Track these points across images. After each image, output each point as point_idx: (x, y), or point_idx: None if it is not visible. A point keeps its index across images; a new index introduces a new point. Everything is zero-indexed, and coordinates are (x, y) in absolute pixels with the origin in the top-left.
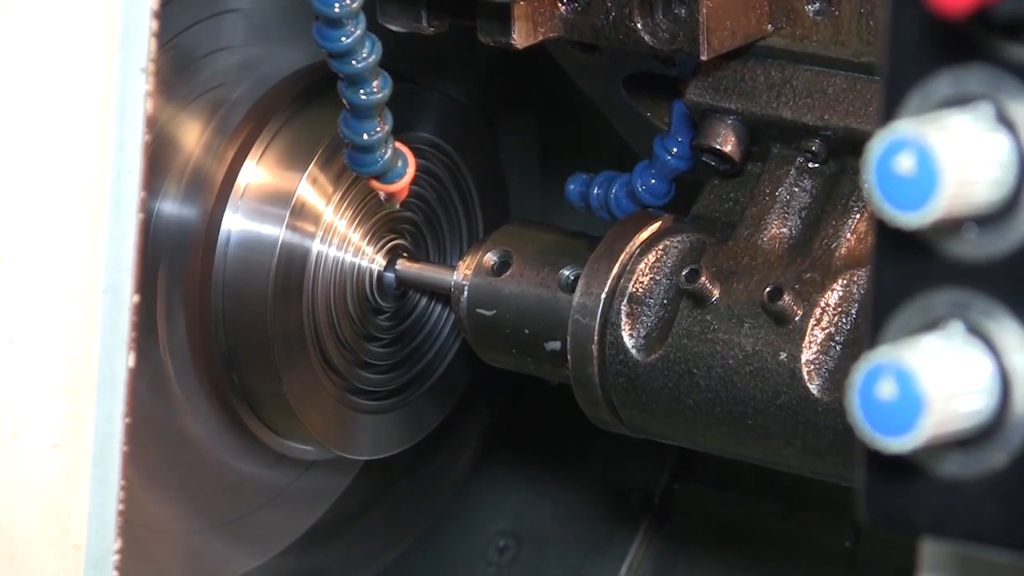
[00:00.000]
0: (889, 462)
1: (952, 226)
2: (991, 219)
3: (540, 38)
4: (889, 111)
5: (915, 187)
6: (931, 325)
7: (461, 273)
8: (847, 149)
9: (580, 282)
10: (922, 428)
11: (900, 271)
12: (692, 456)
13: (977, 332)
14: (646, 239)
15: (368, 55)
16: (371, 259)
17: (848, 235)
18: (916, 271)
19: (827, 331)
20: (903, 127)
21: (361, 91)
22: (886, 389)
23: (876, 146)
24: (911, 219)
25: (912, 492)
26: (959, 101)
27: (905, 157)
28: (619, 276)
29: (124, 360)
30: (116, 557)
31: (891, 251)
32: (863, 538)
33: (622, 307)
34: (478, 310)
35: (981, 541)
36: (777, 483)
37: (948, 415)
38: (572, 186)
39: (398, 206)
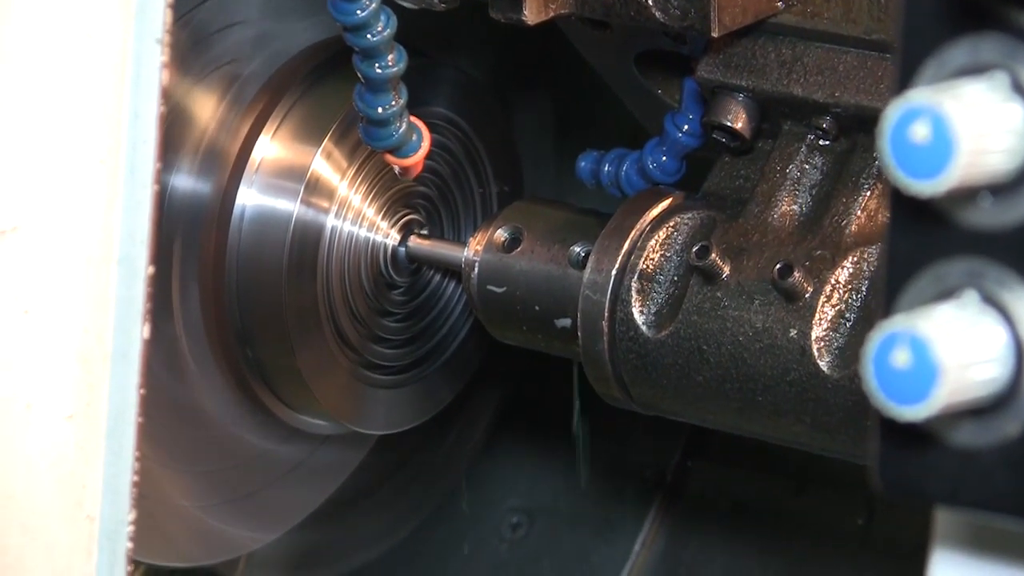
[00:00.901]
0: (903, 431)
1: (966, 195)
2: (1006, 188)
3: (551, 14)
4: (904, 80)
5: (930, 155)
6: (946, 294)
7: (472, 249)
8: (858, 126)
9: (591, 259)
10: (936, 396)
11: (914, 240)
12: (705, 433)
13: (991, 301)
14: (657, 216)
15: (383, 28)
16: (385, 234)
17: (858, 212)
18: (930, 240)
19: (837, 308)
20: (918, 95)
21: (376, 64)
22: (901, 357)
23: (891, 114)
24: (926, 187)
25: (926, 461)
26: (974, 70)
27: (920, 125)
28: (630, 253)
29: (139, 331)
30: (130, 528)
31: (905, 220)
32: (876, 516)
33: (633, 284)
34: (488, 287)
35: (994, 510)
36: (790, 461)
37: (962, 384)
38: (583, 163)
39: (413, 180)
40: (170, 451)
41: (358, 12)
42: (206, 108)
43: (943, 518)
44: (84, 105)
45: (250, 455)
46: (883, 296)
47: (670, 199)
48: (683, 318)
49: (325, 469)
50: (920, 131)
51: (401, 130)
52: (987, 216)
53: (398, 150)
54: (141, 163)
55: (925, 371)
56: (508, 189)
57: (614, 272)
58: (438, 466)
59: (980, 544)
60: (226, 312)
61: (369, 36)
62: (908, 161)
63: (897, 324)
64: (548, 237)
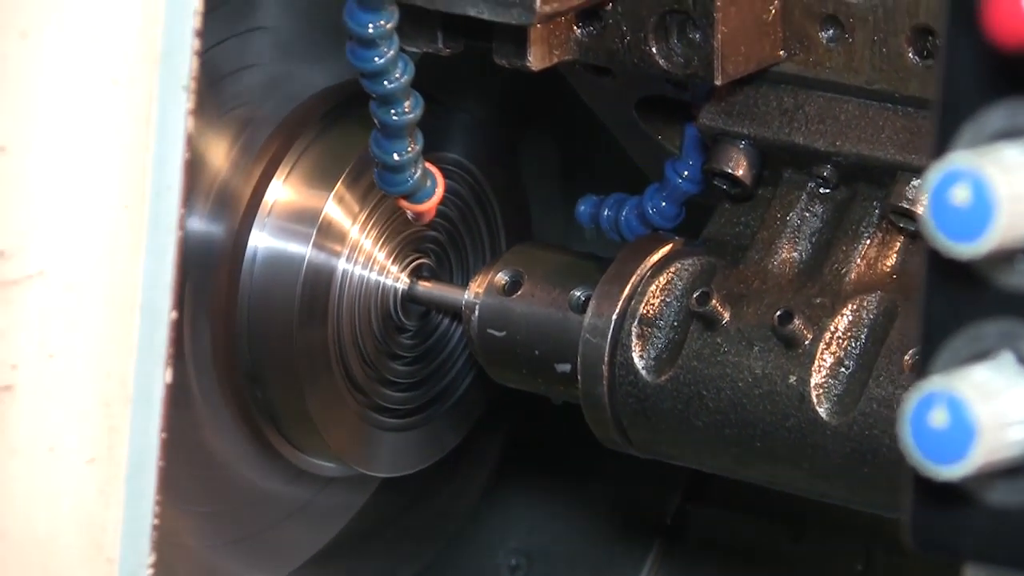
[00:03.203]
0: (937, 489)
1: (1004, 257)
2: None
3: (555, 60)
4: (942, 142)
5: (970, 218)
6: (981, 355)
7: (472, 292)
8: (858, 175)
9: (591, 303)
10: (973, 457)
11: (951, 301)
12: (705, 478)
13: None
14: (657, 261)
15: (401, 75)
16: (396, 278)
17: (858, 260)
18: (967, 301)
19: (836, 355)
20: (959, 159)
21: (392, 111)
22: (938, 417)
23: (932, 177)
24: (966, 250)
25: (959, 519)
26: (1012, 134)
27: (961, 188)
28: (630, 297)
29: (161, 376)
30: (150, 572)
31: (942, 281)
32: (874, 562)
33: (633, 328)
34: (489, 330)
35: None
36: (789, 505)
37: (999, 444)
38: (582, 207)
39: (425, 225)
40: (176, 489)
41: (376, 59)
42: (219, 151)
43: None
44: (109, 150)
45: (256, 495)
46: (920, 356)
47: (670, 245)
48: (683, 363)
49: (329, 511)
50: (961, 194)
51: (416, 176)
52: (1023, 278)
53: (412, 196)
54: (165, 209)
55: (962, 431)
56: (516, 234)
57: (615, 317)
58: (440, 509)
59: None
60: (236, 353)
61: (386, 83)
62: (949, 223)
63: (935, 385)
64: (549, 281)
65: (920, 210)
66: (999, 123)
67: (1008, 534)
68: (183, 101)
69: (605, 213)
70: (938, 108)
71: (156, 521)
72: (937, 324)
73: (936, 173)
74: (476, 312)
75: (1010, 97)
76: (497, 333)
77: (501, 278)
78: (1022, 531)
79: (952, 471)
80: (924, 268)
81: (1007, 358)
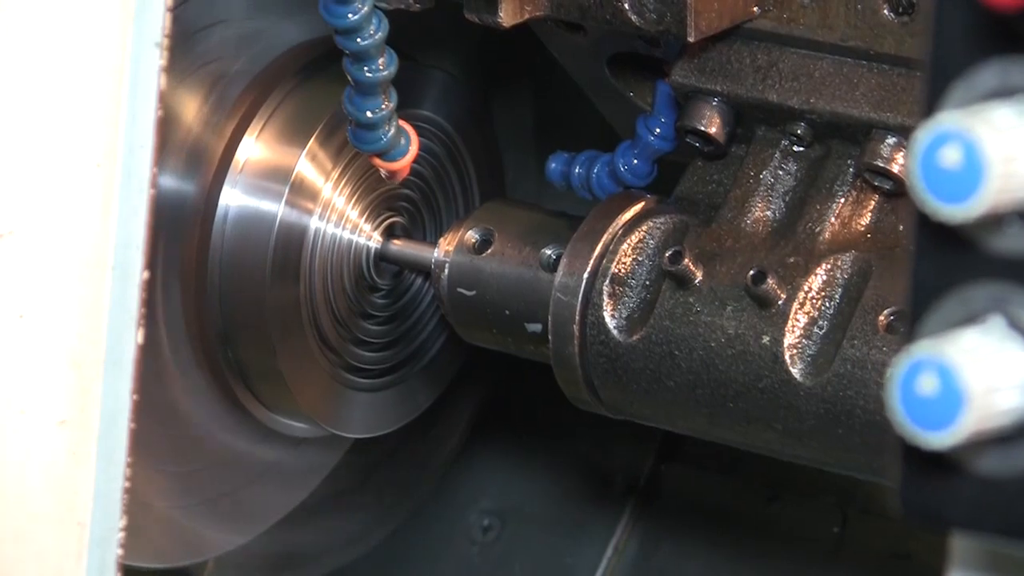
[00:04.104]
0: (926, 457)
1: (993, 220)
2: None
3: (526, 17)
4: (932, 102)
5: (961, 181)
6: (971, 319)
7: (442, 250)
8: (832, 133)
9: (562, 261)
10: (963, 424)
11: (940, 264)
12: (679, 439)
13: (1017, 327)
14: (629, 219)
15: (375, 32)
16: (368, 236)
17: (832, 219)
18: (956, 264)
19: (810, 315)
20: (949, 119)
21: (366, 68)
22: (927, 384)
23: (921, 138)
24: (956, 212)
25: (948, 487)
26: (1004, 93)
27: (951, 150)
28: (602, 256)
29: (133, 337)
30: (121, 535)
31: (931, 244)
32: (850, 524)
33: (604, 287)
34: (458, 289)
35: (1017, 538)
36: (765, 467)
37: (988, 411)
38: (553, 164)
39: (398, 183)
40: (145, 450)
41: (350, 16)
42: (190, 107)
43: (960, 544)
44: (81, 108)
45: (226, 456)
46: (907, 320)
47: (643, 203)
48: (655, 323)
49: (300, 472)
50: (951, 155)
51: (390, 134)
52: (1014, 241)
53: (386, 154)
54: (138, 167)
55: (952, 398)
56: (490, 192)
57: (586, 275)
58: (413, 470)
59: (997, 570)
60: (208, 312)
61: (360, 40)
62: (938, 186)
63: (923, 350)
64: (519, 239)
65: (895, 168)
66: (991, 82)
67: (998, 504)
68: (156, 58)
69: (576, 171)
70: (927, 67)
71: (127, 484)
72: (925, 287)
73: (925, 134)
74: (446, 271)
75: (1002, 55)
76: (467, 292)
77: (471, 236)
78: (1012, 501)
79: (941, 439)
80: (912, 230)
81: (997, 322)
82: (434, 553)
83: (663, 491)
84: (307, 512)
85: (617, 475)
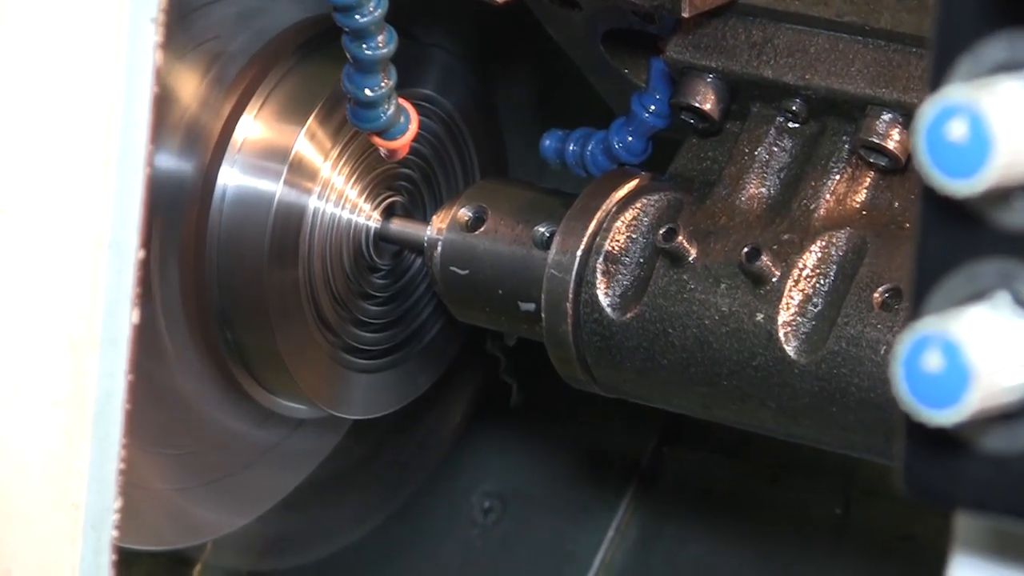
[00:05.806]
0: (931, 435)
1: (1001, 195)
2: None
3: None
4: (938, 76)
5: (967, 155)
6: (977, 295)
7: (435, 228)
8: (828, 109)
9: (555, 239)
10: (968, 401)
11: (946, 240)
12: (680, 420)
13: None
14: (623, 197)
15: (374, 8)
16: (368, 216)
17: (827, 196)
18: (962, 240)
19: (804, 293)
20: (955, 93)
21: (365, 46)
22: (933, 361)
23: (927, 112)
24: (962, 187)
25: (953, 466)
26: (1011, 67)
27: (957, 123)
28: (595, 234)
29: (128, 316)
30: (116, 516)
31: (937, 220)
32: (853, 505)
33: (598, 265)
34: (451, 268)
35: (1022, 517)
36: (766, 448)
37: (994, 388)
38: (548, 142)
39: (397, 162)
40: (144, 432)
41: None
42: (188, 86)
43: (964, 523)
44: (76, 85)
45: (225, 438)
46: (913, 296)
47: (637, 180)
48: (649, 301)
49: (300, 453)
50: (957, 129)
51: (389, 112)
52: (1022, 216)
53: (385, 132)
54: (133, 145)
55: (957, 375)
56: (491, 172)
57: (579, 253)
58: (413, 452)
59: (1001, 550)
60: (206, 293)
61: (359, 17)
62: (944, 160)
63: (929, 326)
64: (512, 216)
65: (891, 145)
66: (998, 55)
67: (1004, 482)
68: (152, 34)
69: (571, 148)
70: (933, 40)
71: (123, 465)
72: (931, 263)
73: (931, 107)
74: (439, 249)
75: (1010, 28)
76: (460, 271)
77: (464, 214)
78: (1018, 479)
79: (946, 416)
80: (918, 205)
81: (1004, 299)
82: (435, 535)
83: (665, 473)
84: (306, 494)
85: (618, 457)
